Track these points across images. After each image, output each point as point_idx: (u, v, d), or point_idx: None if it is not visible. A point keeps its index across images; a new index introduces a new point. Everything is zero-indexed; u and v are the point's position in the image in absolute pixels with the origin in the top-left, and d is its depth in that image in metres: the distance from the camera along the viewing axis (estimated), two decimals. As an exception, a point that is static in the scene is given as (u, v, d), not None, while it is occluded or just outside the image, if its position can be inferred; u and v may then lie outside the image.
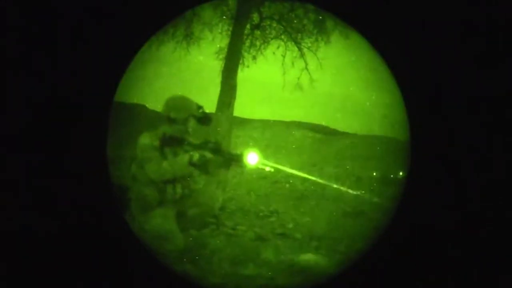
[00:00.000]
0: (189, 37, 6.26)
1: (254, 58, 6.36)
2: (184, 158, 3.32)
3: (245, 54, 6.32)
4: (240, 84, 6.04)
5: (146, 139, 3.30)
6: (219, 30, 6.22)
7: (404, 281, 3.06)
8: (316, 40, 6.37)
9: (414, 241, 3.06)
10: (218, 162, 3.37)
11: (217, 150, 3.39)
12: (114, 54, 2.99)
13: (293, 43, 6.33)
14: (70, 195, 2.94)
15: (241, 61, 6.21)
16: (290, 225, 4.71)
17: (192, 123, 3.38)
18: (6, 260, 2.87)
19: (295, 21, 6.36)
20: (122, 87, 3.19)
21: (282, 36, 6.40)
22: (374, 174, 5.29)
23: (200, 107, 3.39)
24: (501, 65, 2.93)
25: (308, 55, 6.34)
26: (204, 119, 3.40)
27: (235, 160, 3.40)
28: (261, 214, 5.05)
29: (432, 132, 3.05)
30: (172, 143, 3.35)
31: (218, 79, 6.06)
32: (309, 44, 6.38)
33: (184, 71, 5.91)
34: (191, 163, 3.32)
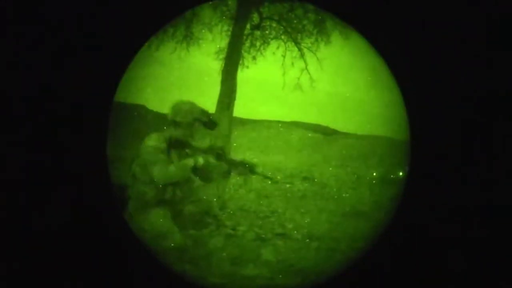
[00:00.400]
0: (189, 37, 6.27)
1: (254, 58, 6.37)
2: (189, 162, 3.33)
3: (245, 54, 6.33)
4: (240, 84, 6.05)
5: (152, 141, 3.30)
6: (219, 31, 6.23)
7: (404, 281, 3.06)
8: (316, 40, 6.37)
9: (414, 241, 3.06)
10: (221, 169, 3.39)
11: (221, 156, 3.41)
12: (114, 54, 3.00)
13: (293, 43, 6.33)
14: (70, 195, 2.94)
15: (241, 61, 6.22)
16: (290, 225, 4.70)
17: (197, 127, 3.39)
18: (6, 260, 2.87)
19: (295, 22, 6.37)
20: (122, 87, 3.20)
21: (282, 37, 6.40)
22: (374, 174, 5.29)
23: (205, 111, 3.41)
24: (501, 65, 2.93)
25: (308, 55, 6.35)
26: (209, 123, 3.42)
27: (238, 167, 3.42)
28: (261, 214, 5.04)
29: (432, 132, 3.05)
30: (178, 146, 3.37)
31: (218, 79, 6.06)
32: (309, 44, 6.39)
33: (184, 71, 5.91)
34: (194, 169, 3.34)
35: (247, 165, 3.46)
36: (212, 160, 3.37)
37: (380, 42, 3.17)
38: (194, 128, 3.38)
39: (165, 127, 3.40)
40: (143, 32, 3.19)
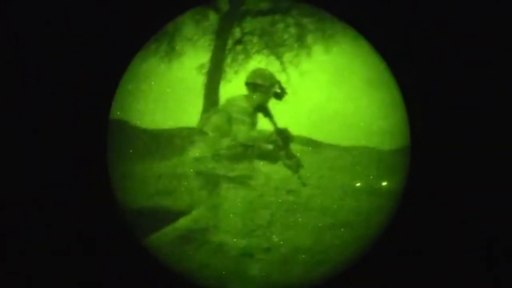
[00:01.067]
0: (171, 53, 6.27)
1: (236, 72, 6.40)
2: (265, 133, 3.47)
3: (227, 68, 6.36)
4: (223, 98, 6.06)
5: (243, 102, 3.44)
6: (201, 46, 6.25)
7: (404, 281, 3.06)
8: (297, 54, 6.43)
9: (414, 241, 3.07)
10: (275, 153, 3.51)
11: (286, 143, 3.55)
12: (105, 69, 3.00)
13: (275, 57, 6.38)
14: (70, 195, 2.93)
15: (223, 76, 6.25)
16: (276, 239, 4.68)
17: (271, 94, 3.55)
18: (5, 260, 2.85)
19: (276, 36, 6.43)
20: (114, 103, 3.22)
21: (264, 51, 6.46)
22: (358, 184, 5.32)
23: (279, 81, 3.60)
24: (501, 65, 2.95)
25: (290, 69, 6.39)
26: (280, 94, 3.60)
27: (290, 160, 3.57)
28: (247, 228, 5.01)
29: (432, 134, 3.07)
30: (263, 112, 3.53)
31: (201, 94, 6.08)
32: (291, 58, 6.44)
33: (167, 86, 5.90)
34: (268, 141, 3.47)
35: (298, 162, 3.65)
36: (279, 142, 3.52)
37: (379, 43, 3.20)
38: (270, 94, 3.55)
39: (248, 91, 3.54)
40: (128, 49, 3.20)
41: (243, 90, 3.57)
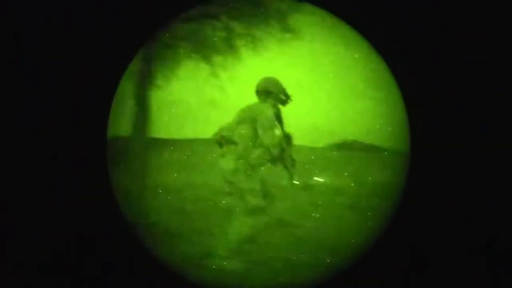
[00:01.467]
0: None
1: (166, 78, 6.35)
2: (281, 138, 3.60)
3: (157, 74, 6.30)
4: (154, 105, 6.03)
5: (266, 109, 3.55)
6: (130, 52, 6.14)
7: (404, 281, 3.14)
8: (226, 58, 6.49)
9: (414, 241, 3.15)
10: (277, 155, 3.63)
11: (288, 145, 3.67)
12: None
13: (205, 61, 6.40)
14: (70, 196, 2.89)
15: (153, 82, 6.18)
16: (216, 243, 4.70)
17: (285, 95, 3.66)
18: (5, 260, 2.75)
19: (205, 40, 6.46)
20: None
21: (193, 55, 6.46)
22: (296, 182, 5.45)
23: (284, 88, 3.75)
24: (501, 65, 3.08)
25: (221, 73, 6.44)
26: (285, 100, 3.74)
27: (285, 160, 3.70)
28: (187, 235, 4.99)
29: (432, 134, 3.18)
30: (278, 119, 3.65)
31: (131, 102, 6.00)
32: (220, 62, 6.49)
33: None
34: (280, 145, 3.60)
35: (293, 163, 3.83)
36: (284, 145, 3.67)
37: (380, 43, 3.22)
38: (278, 101, 3.67)
39: (259, 99, 3.62)
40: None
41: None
